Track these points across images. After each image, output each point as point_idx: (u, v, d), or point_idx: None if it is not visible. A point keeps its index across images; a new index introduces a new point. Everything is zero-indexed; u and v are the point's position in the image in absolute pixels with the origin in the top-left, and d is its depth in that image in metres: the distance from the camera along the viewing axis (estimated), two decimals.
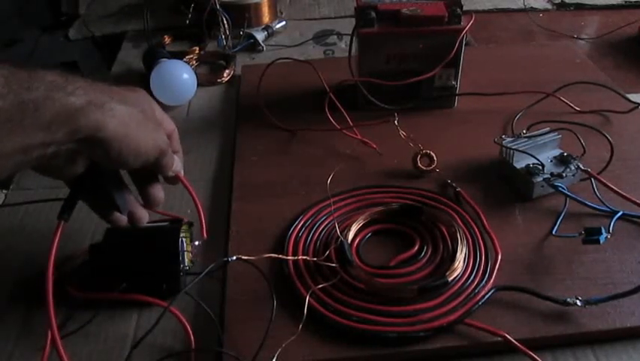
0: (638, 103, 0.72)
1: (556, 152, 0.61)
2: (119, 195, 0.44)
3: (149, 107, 0.42)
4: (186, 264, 0.51)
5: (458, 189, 0.59)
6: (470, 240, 0.53)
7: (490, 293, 0.47)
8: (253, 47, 0.97)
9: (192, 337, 0.47)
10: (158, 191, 0.47)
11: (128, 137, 0.37)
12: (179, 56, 0.87)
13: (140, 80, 0.85)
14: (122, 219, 0.45)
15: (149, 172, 0.46)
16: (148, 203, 0.47)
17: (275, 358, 0.43)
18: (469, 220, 0.56)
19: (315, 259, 0.51)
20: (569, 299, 0.46)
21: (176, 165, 0.45)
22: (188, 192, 0.47)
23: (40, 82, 0.33)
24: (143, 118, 0.39)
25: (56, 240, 0.39)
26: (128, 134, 0.37)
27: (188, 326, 0.47)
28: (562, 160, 0.60)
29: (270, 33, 1.00)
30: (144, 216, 0.47)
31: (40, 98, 0.33)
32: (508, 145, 0.60)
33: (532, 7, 1.09)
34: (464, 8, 0.69)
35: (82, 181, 0.40)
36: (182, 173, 0.46)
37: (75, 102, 0.34)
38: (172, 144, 0.45)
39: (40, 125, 0.33)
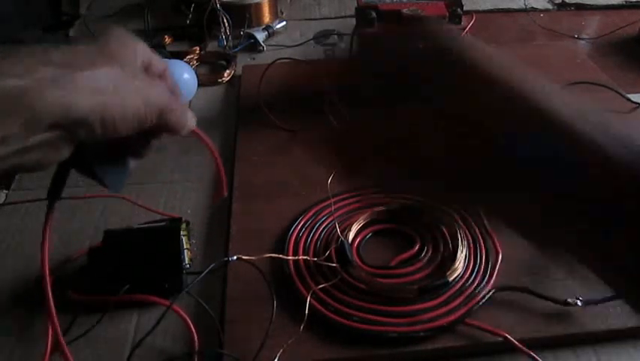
0: (638, 103, 0.72)
1: None
2: (110, 172, 0.37)
3: (129, 60, 0.34)
4: (186, 262, 0.52)
5: None
6: (471, 240, 0.53)
7: (490, 293, 0.47)
8: (253, 47, 0.97)
9: (196, 337, 0.47)
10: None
11: (107, 105, 0.30)
12: (179, 56, 0.87)
13: None
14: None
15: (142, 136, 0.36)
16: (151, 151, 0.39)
17: (276, 358, 0.43)
18: (470, 220, 0.55)
19: (315, 259, 0.51)
20: (569, 299, 0.46)
21: (190, 120, 0.37)
22: (208, 148, 0.41)
23: None
24: (121, 77, 0.32)
25: (48, 231, 0.34)
26: (106, 102, 0.30)
27: (192, 326, 0.47)
28: None
29: (271, 33, 1.00)
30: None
31: None
32: None
33: (532, 7, 1.09)
34: (464, 8, 0.69)
35: (64, 165, 0.34)
36: (195, 127, 0.39)
37: (18, 84, 0.27)
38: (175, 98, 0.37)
39: None
